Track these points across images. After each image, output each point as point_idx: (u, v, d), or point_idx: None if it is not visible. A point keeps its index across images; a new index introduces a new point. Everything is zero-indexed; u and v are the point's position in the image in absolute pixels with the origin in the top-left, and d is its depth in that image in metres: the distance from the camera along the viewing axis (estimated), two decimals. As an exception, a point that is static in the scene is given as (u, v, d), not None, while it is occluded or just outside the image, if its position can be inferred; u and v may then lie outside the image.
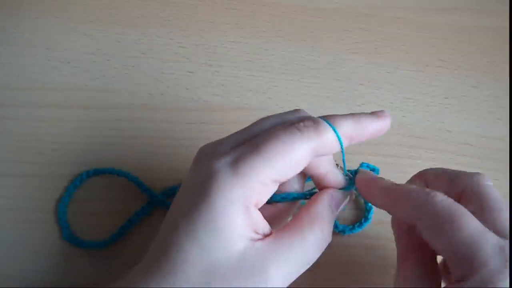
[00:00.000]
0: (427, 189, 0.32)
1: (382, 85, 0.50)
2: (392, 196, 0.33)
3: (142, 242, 0.42)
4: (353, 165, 0.38)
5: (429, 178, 0.36)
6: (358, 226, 0.43)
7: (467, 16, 0.54)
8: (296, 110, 0.36)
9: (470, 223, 0.29)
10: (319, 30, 0.53)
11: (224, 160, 0.31)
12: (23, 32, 0.50)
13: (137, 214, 0.42)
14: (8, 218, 0.42)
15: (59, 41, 0.50)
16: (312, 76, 0.50)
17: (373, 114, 0.34)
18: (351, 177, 0.36)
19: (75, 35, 0.50)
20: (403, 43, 0.52)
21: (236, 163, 0.31)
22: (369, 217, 0.43)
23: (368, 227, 0.43)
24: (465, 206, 0.31)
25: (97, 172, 0.44)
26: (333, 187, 0.35)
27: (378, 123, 0.34)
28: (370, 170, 0.40)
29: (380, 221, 0.43)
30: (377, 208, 0.36)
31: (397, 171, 0.46)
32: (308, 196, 0.35)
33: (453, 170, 0.35)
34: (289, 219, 0.36)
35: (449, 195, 0.31)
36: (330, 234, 0.33)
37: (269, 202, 0.36)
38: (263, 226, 0.32)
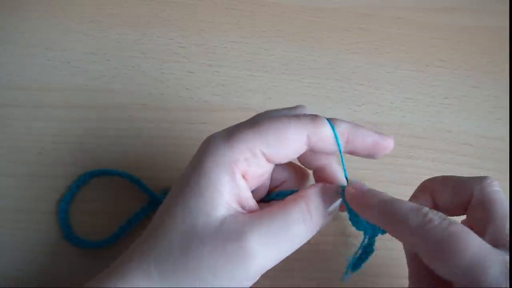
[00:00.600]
0: (424, 210, 0.29)
1: (382, 85, 0.50)
2: (387, 218, 0.31)
3: (142, 242, 0.42)
4: (353, 165, 0.38)
5: (434, 188, 0.34)
6: (365, 257, 0.39)
7: (467, 16, 0.54)
8: (301, 106, 0.37)
9: (472, 245, 0.27)
10: (319, 30, 0.53)
11: (221, 132, 0.33)
12: (23, 32, 0.50)
13: (137, 215, 0.42)
14: (8, 218, 0.42)
15: (59, 41, 0.50)
16: (312, 76, 0.50)
17: (377, 132, 0.34)
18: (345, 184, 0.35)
19: (75, 35, 0.50)
20: (403, 43, 0.52)
21: (230, 132, 0.32)
22: (374, 249, 0.39)
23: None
24: (473, 214, 0.30)
25: (101, 173, 0.44)
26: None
27: (379, 136, 0.34)
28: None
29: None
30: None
31: (397, 171, 0.46)
32: None
33: (459, 177, 0.34)
34: None
35: (456, 204, 0.31)
36: (319, 216, 0.33)
37: (266, 199, 0.36)
38: (250, 201, 0.33)
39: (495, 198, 0.31)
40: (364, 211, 0.32)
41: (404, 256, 0.36)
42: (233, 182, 0.31)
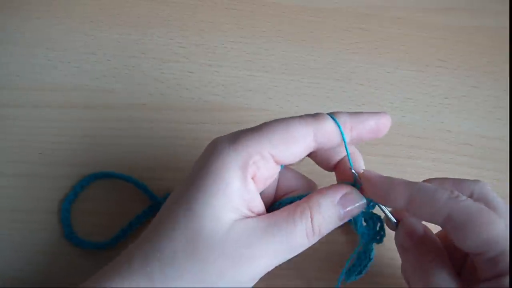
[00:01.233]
0: (446, 188, 0.31)
1: (382, 85, 0.50)
2: (412, 196, 0.32)
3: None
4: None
5: None
6: (360, 264, 0.39)
7: (467, 16, 0.54)
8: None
9: (498, 219, 0.30)
10: (319, 30, 0.53)
11: (226, 136, 0.33)
12: (23, 32, 0.50)
13: (138, 217, 0.42)
14: (8, 218, 0.42)
15: (59, 41, 0.50)
16: (312, 76, 0.50)
17: (373, 112, 0.35)
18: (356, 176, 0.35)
19: (75, 35, 0.50)
20: (403, 43, 0.52)
21: (236, 136, 0.32)
22: (371, 257, 0.39)
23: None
24: None
25: (106, 175, 0.44)
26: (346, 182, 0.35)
27: (377, 116, 0.34)
28: None
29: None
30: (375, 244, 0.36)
31: (397, 171, 0.46)
32: None
33: (454, 178, 0.35)
34: None
35: None
36: (323, 228, 0.33)
37: (276, 207, 0.36)
38: (259, 205, 0.33)
39: (493, 195, 0.34)
40: (388, 193, 0.33)
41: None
42: (243, 187, 0.31)
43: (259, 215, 0.33)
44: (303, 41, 0.52)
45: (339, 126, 0.33)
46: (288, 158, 0.33)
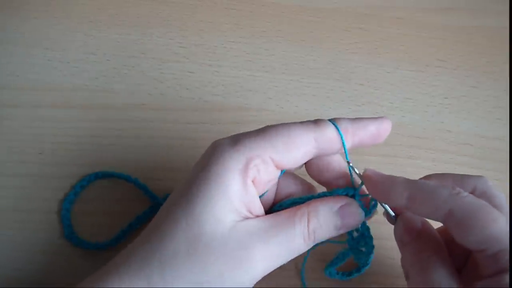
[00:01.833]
0: (447, 185, 0.31)
1: (382, 85, 0.50)
2: (413, 194, 0.32)
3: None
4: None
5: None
6: (357, 271, 0.40)
7: (466, 16, 0.54)
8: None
9: (501, 216, 0.30)
10: (318, 30, 0.53)
11: (227, 138, 0.33)
12: (23, 32, 0.50)
13: (138, 218, 0.42)
14: (7, 218, 0.42)
15: (59, 41, 0.50)
16: (312, 76, 0.50)
17: (374, 117, 0.35)
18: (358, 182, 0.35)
19: (74, 35, 0.50)
20: (403, 43, 0.52)
21: (237, 139, 0.32)
22: (368, 262, 0.40)
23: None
24: None
25: (107, 175, 0.44)
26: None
27: (378, 121, 0.35)
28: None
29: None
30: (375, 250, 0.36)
31: (397, 171, 0.45)
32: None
33: (456, 174, 0.35)
34: None
35: None
36: (321, 233, 0.33)
37: (277, 208, 0.36)
38: (259, 209, 0.33)
39: (496, 191, 0.33)
40: (388, 192, 0.33)
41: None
42: (243, 189, 0.32)
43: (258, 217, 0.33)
44: (302, 41, 0.52)
45: (339, 132, 0.33)
46: (289, 163, 0.33)
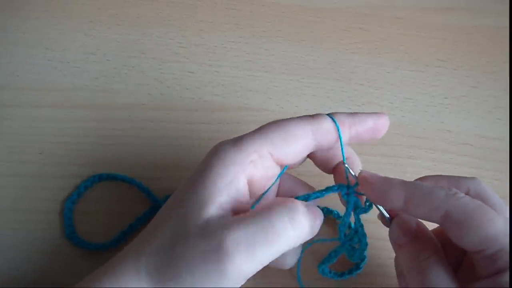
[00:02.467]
0: (443, 186, 0.31)
1: (382, 85, 0.50)
2: (409, 195, 0.32)
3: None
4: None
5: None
6: (348, 273, 0.40)
7: (466, 16, 0.54)
8: None
9: (497, 216, 0.30)
10: (318, 30, 0.53)
11: (229, 140, 0.33)
12: (23, 32, 0.50)
13: (139, 220, 0.42)
14: (7, 218, 0.42)
15: (59, 41, 0.50)
16: (312, 76, 0.50)
17: (371, 112, 0.36)
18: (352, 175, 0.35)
19: (75, 35, 0.50)
20: (403, 43, 0.52)
21: (238, 139, 0.33)
22: (360, 266, 0.41)
23: (366, 226, 0.43)
24: None
25: (110, 177, 0.44)
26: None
27: (375, 116, 0.35)
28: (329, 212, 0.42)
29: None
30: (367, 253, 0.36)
31: (397, 171, 0.46)
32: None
33: (450, 175, 0.35)
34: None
35: None
36: (306, 221, 0.32)
37: None
38: (247, 209, 0.32)
39: (491, 193, 0.34)
40: (385, 194, 0.32)
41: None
42: (234, 184, 0.31)
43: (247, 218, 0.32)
44: (302, 41, 0.52)
45: (336, 124, 0.34)
46: (288, 157, 0.33)
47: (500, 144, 0.48)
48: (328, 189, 0.35)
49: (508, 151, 0.48)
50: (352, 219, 0.36)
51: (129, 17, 0.52)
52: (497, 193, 0.34)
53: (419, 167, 0.46)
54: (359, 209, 0.35)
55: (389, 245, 0.35)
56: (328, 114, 0.34)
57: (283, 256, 0.32)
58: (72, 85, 0.48)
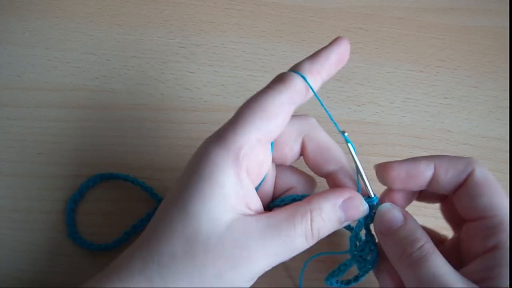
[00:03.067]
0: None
1: (382, 85, 0.50)
2: (438, 163, 0.33)
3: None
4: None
5: (437, 161, 0.35)
6: (354, 280, 0.39)
7: (467, 16, 0.54)
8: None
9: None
10: (319, 30, 0.53)
11: (212, 137, 0.33)
12: (23, 32, 0.50)
13: (142, 220, 0.42)
14: (7, 218, 0.42)
15: (59, 41, 0.50)
16: (312, 76, 0.50)
17: (330, 44, 0.35)
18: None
19: (75, 35, 0.50)
20: (403, 43, 0.52)
21: (221, 134, 0.32)
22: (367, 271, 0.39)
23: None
24: (471, 190, 0.33)
25: (113, 177, 0.44)
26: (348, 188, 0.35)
27: (335, 47, 0.35)
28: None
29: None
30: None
31: (397, 171, 0.46)
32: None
33: (454, 156, 0.35)
34: None
35: (455, 179, 0.33)
36: (322, 232, 0.33)
37: (278, 203, 0.36)
38: (256, 202, 0.33)
39: (493, 179, 0.34)
40: (418, 166, 0.34)
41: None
42: (238, 184, 0.31)
43: (257, 212, 0.33)
44: (303, 41, 0.52)
45: (307, 82, 0.33)
46: (274, 133, 0.33)
47: (500, 144, 0.48)
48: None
49: (508, 151, 0.48)
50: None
51: (129, 17, 0.52)
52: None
53: (419, 167, 0.46)
54: (369, 219, 0.35)
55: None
56: (292, 70, 0.34)
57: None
58: (72, 85, 0.48)
